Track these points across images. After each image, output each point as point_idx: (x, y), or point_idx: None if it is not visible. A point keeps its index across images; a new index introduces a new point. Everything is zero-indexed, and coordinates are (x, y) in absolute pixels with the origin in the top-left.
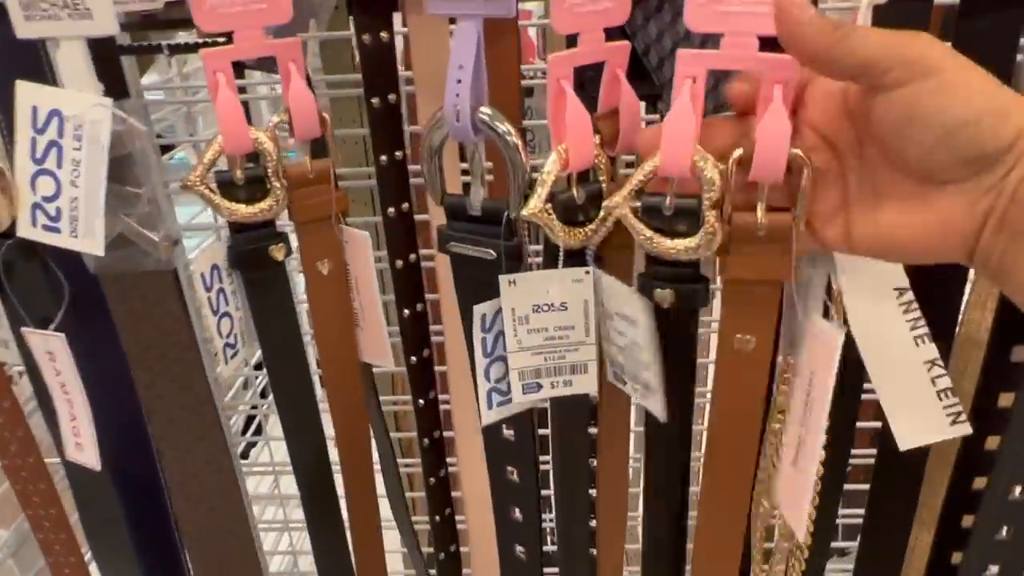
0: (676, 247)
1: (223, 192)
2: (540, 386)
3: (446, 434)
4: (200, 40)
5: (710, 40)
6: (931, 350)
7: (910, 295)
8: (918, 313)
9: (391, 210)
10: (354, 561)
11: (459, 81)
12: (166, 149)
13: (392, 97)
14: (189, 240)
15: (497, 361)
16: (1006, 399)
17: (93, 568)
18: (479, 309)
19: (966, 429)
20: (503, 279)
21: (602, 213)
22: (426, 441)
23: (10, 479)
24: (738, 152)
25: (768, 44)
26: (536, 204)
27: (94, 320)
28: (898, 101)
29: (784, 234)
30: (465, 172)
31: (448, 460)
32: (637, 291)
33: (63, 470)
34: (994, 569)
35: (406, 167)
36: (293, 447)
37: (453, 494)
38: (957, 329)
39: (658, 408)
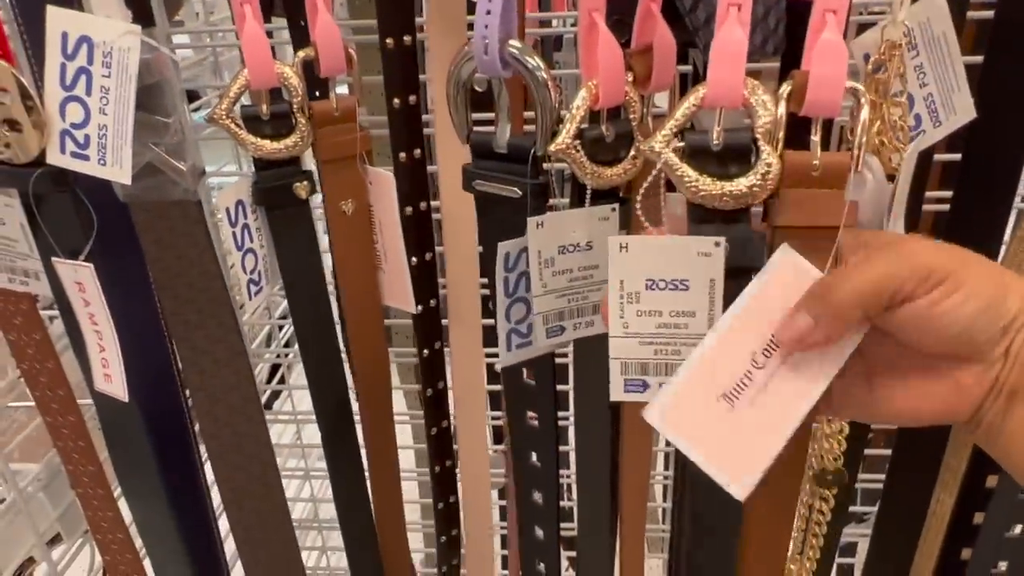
0: (727, 190)
1: (248, 127)
2: (563, 329)
3: None
4: None
5: None
6: None
7: None
8: None
9: (402, 155)
10: (373, 508)
11: (488, 12)
12: (192, 99)
13: (407, 39)
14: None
15: (518, 302)
16: None
17: (122, 504)
18: (503, 247)
19: None
20: (531, 221)
21: (632, 152)
22: (429, 391)
23: (40, 411)
24: (787, 85)
25: None
26: (564, 139)
27: (122, 251)
28: (921, 307)
29: (841, 175)
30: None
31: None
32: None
33: (92, 410)
34: (1019, 528)
35: (419, 112)
36: (315, 388)
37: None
38: None
39: None
